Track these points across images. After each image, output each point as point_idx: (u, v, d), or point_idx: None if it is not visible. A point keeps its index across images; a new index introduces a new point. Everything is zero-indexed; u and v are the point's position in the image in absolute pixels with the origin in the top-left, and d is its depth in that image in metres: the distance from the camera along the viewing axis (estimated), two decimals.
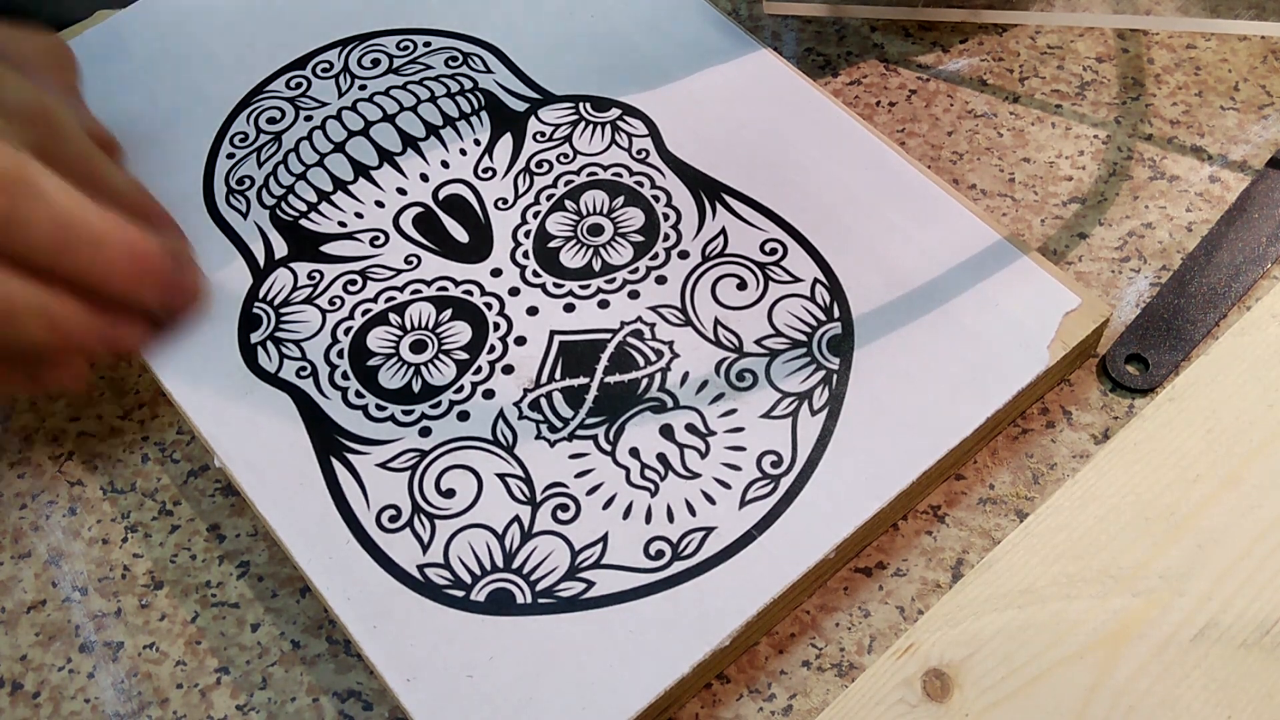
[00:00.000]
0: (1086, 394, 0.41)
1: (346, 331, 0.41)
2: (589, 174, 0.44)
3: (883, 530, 0.38)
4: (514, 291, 0.42)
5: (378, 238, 0.43)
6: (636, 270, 0.42)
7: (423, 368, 0.40)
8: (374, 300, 0.42)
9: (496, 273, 0.42)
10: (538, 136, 0.46)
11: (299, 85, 0.47)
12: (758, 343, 0.40)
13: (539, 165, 0.45)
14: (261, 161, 0.45)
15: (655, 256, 0.42)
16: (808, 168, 0.44)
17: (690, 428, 0.39)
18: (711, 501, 0.37)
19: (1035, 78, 0.49)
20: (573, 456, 0.38)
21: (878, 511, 0.37)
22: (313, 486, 0.38)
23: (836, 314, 0.41)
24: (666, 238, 0.43)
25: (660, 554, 0.36)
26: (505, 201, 0.44)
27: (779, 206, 0.43)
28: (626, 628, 0.35)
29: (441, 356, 0.41)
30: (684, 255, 0.42)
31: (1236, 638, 0.35)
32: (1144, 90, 0.48)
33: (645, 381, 0.40)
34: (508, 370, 0.40)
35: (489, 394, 0.40)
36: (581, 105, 0.46)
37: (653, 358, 0.40)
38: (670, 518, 0.37)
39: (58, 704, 0.37)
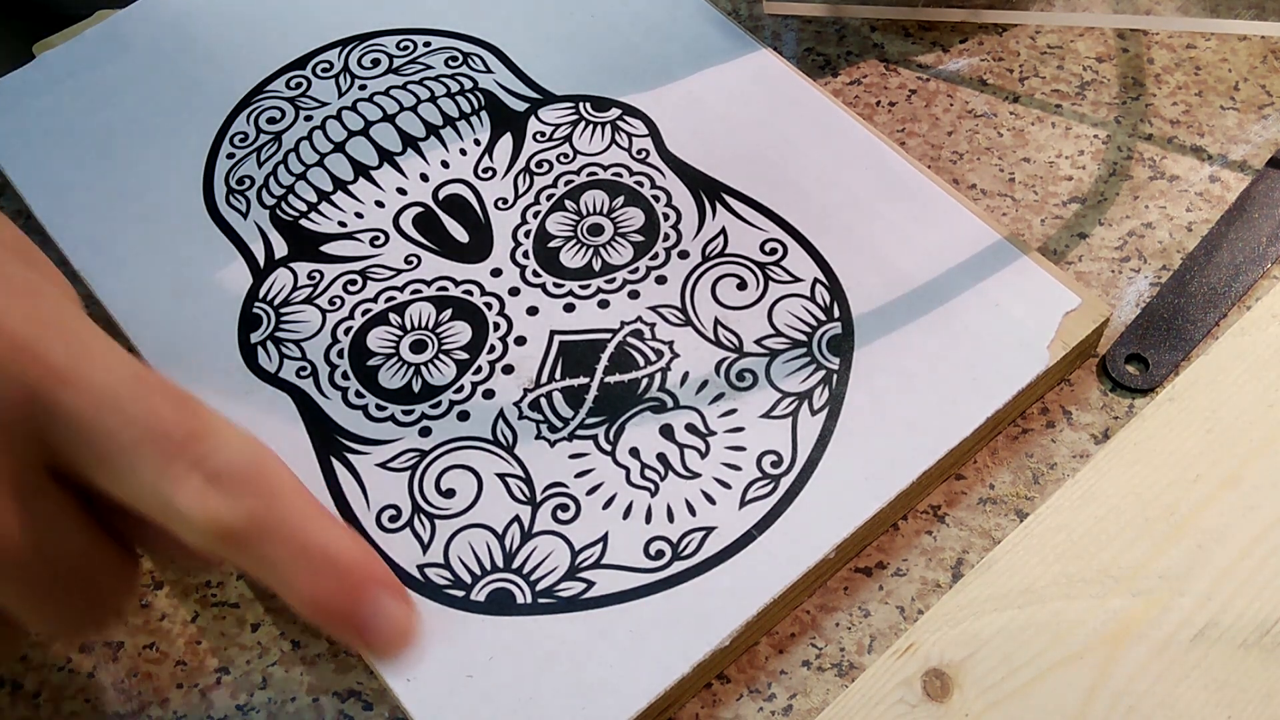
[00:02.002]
0: (1086, 394, 0.41)
1: (346, 331, 0.41)
2: (589, 174, 0.44)
3: (883, 530, 0.38)
4: (514, 291, 0.42)
5: (378, 238, 0.43)
6: (636, 270, 0.42)
7: (423, 368, 0.40)
8: (374, 300, 0.42)
9: (496, 273, 0.42)
10: (538, 136, 0.46)
11: (299, 85, 0.47)
12: (758, 343, 0.40)
13: (539, 165, 0.45)
14: (261, 161, 0.45)
15: (655, 256, 0.42)
16: (808, 168, 0.44)
17: (690, 428, 0.39)
18: (711, 501, 0.37)
19: (1035, 78, 0.49)
20: (573, 456, 0.38)
21: (878, 511, 0.37)
22: (313, 486, 0.38)
23: (836, 314, 0.41)
24: (666, 237, 0.43)
25: (660, 554, 0.36)
26: (505, 201, 0.44)
27: (779, 206, 0.43)
28: (626, 628, 0.35)
29: (441, 356, 0.41)
30: (684, 255, 0.42)
31: (1236, 638, 0.35)
32: (1144, 90, 0.48)
33: (645, 381, 0.40)
34: (508, 370, 0.40)
35: (489, 394, 0.40)
36: (581, 105, 0.46)
37: (653, 358, 0.40)
38: (670, 518, 0.37)
39: (58, 704, 0.37)
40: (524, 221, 0.43)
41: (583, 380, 0.40)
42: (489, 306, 0.42)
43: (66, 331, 0.27)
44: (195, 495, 0.26)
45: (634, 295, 0.41)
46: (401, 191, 0.44)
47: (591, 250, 0.43)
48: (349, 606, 0.28)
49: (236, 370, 0.41)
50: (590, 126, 0.46)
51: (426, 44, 0.48)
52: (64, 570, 0.28)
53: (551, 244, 0.43)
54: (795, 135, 0.45)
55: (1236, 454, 0.38)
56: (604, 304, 0.41)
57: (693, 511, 0.37)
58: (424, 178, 0.45)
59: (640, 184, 0.44)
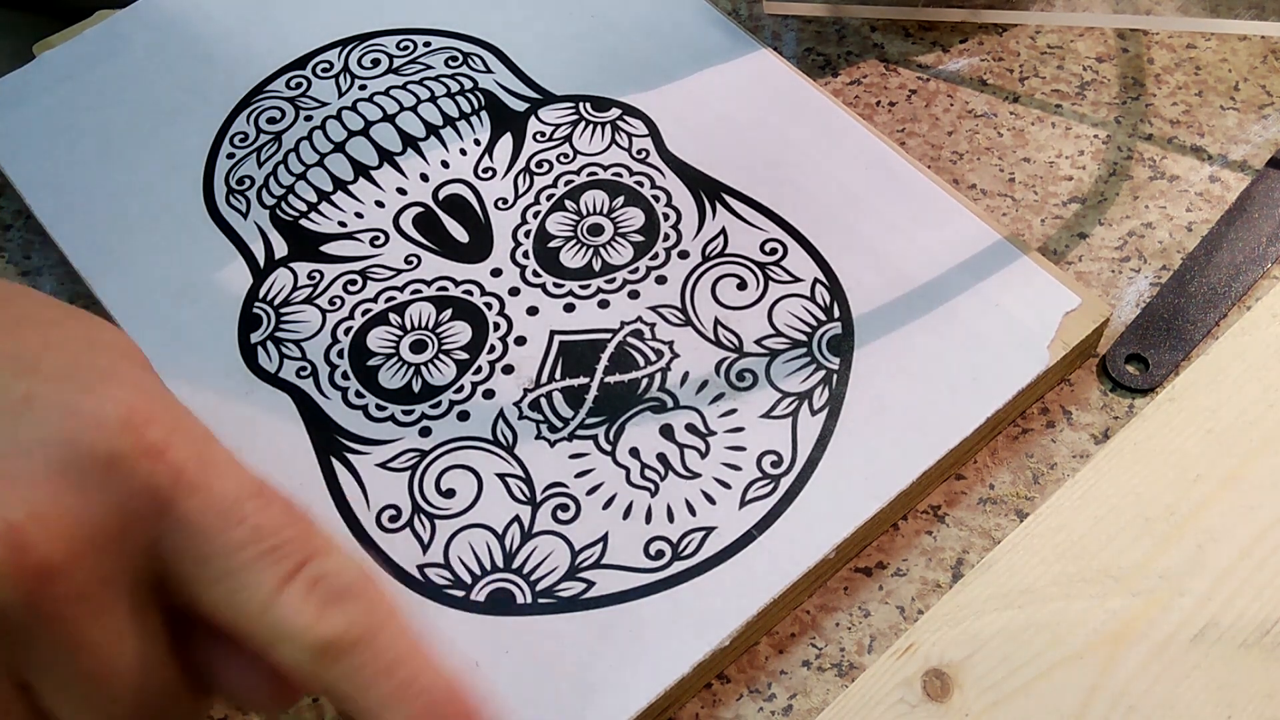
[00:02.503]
0: (1086, 394, 0.41)
1: (346, 331, 0.41)
2: (589, 174, 0.44)
3: (883, 530, 0.38)
4: (514, 291, 0.42)
5: (378, 238, 0.43)
6: (636, 270, 0.42)
7: (423, 368, 0.40)
8: (374, 300, 0.42)
9: (496, 273, 0.42)
10: (538, 136, 0.46)
11: (299, 85, 0.47)
12: (758, 343, 0.40)
13: (539, 165, 0.45)
14: (261, 161, 0.45)
15: (655, 256, 0.42)
16: (808, 168, 0.44)
17: (690, 428, 0.39)
18: (711, 501, 0.37)
19: (1035, 78, 0.49)
20: (573, 456, 0.38)
21: (878, 511, 0.37)
22: (313, 486, 0.38)
23: (836, 314, 0.41)
24: (666, 237, 0.43)
25: (660, 554, 0.36)
26: (505, 201, 0.44)
27: (779, 206, 0.43)
28: (626, 628, 0.35)
29: (441, 356, 0.41)
30: (684, 255, 0.42)
31: (1236, 638, 0.35)
32: (1144, 90, 0.48)
33: (645, 381, 0.40)
34: (508, 370, 0.40)
35: (489, 394, 0.40)
36: (581, 105, 0.46)
37: (653, 358, 0.40)
38: (670, 518, 0.37)
39: None
40: (524, 221, 0.43)
41: (583, 380, 0.40)
42: (489, 306, 0.42)
43: (195, 439, 0.27)
44: (301, 606, 0.26)
45: (634, 295, 0.41)
46: (401, 191, 0.44)
47: (591, 250, 0.43)
48: None
49: (236, 370, 0.41)
50: (590, 126, 0.46)
51: (426, 44, 0.48)
52: (149, 697, 0.27)
53: (551, 244, 0.43)
54: (795, 135, 0.45)
55: (1236, 454, 0.38)
56: (604, 304, 0.41)
57: (693, 511, 0.37)
58: (424, 178, 0.45)
59: (640, 184, 0.44)
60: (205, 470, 0.26)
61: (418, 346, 0.41)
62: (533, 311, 0.41)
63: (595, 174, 0.44)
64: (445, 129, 0.46)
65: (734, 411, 0.39)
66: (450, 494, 0.38)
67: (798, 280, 0.41)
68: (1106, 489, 0.38)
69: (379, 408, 0.40)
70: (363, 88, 0.47)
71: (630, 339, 0.41)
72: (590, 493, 0.38)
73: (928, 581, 0.38)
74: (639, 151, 0.45)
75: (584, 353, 0.40)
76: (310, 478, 0.38)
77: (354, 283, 0.42)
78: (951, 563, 0.38)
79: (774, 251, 0.42)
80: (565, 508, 0.37)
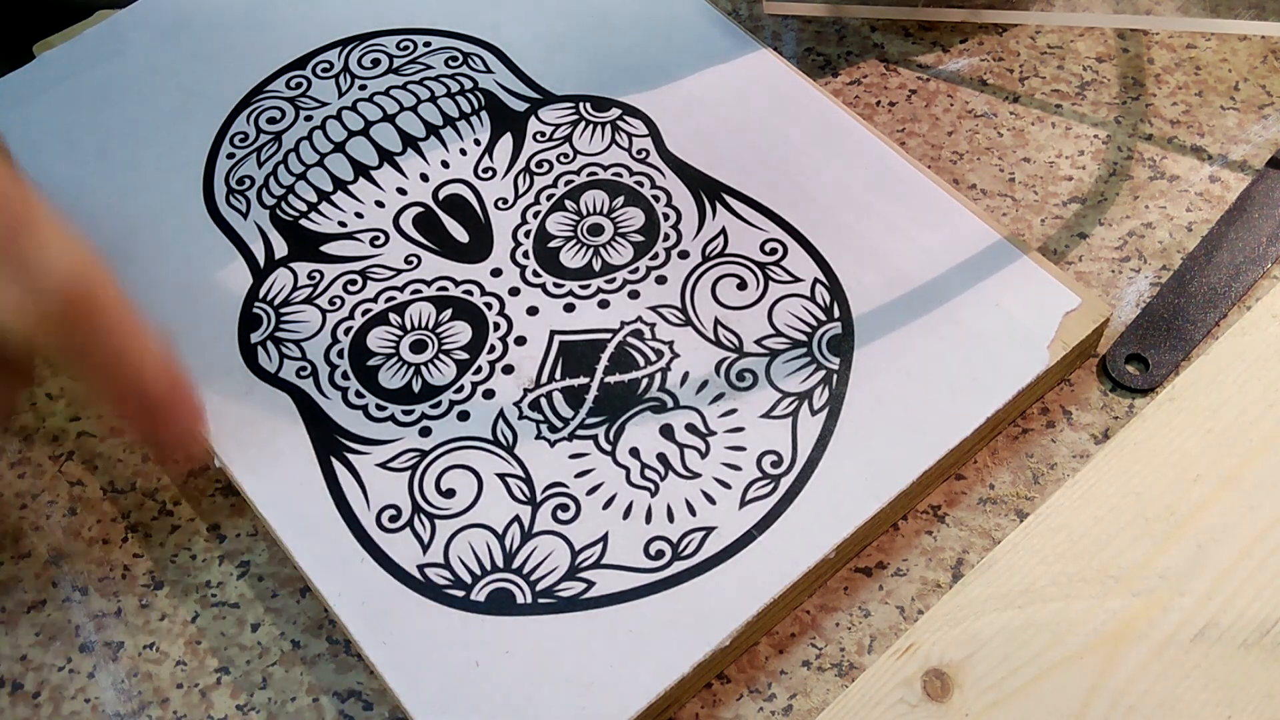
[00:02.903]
0: (1086, 394, 0.41)
1: (346, 331, 0.41)
2: (589, 174, 0.44)
3: (883, 530, 0.38)
4: (514, 291, 0.42)
5: (378, 238, 0.43)
6: (636, 270, 0.42)
7: (423, 368, 0.40)
8: (374, 300, 0.42)
9: (496, 273, 0.42)
10: (538, 136, 0.46)
11: (299, 85, 0.47)
12: (758, 342, 0.40)
13: (539, 165, 0.45)
14: (261, 161, 0.45)
15: (655, 256, 0.42)
16: (808, 168, 0.44)
17: (690, 428, 0.39)
18: (711, 501, 0.37)
19: (1035, 78, 0.49)
20: (573, 456, 0.38)
21: (878, 511, 0.37)
22: (313, 486, 0.38)
23: (836, 314, 0.41)
24: (666, 238, 0.43)
25: (660, 554, 0.36)
26: (505, 201, 0.44)
27: (779, 206, 0.43)
28: (626, 628, 0.35)
29: (441, 356, 0.41)
30: (684, 255, 0.42)
31: (1236, 638, 0.35)
32: (1144, 90, 0.48)
33: (645, 381, 0.40)
34: (508, 370, 0.40)
35: (489, 394, 0.40)
36: (581, 105, 0.46)
37: (653, 358, 0.40)
38: (670, 518, 0.37)
39: (58, 704, 0.37)
40: (524, 221, 0.43)
41: (583, 380, 0.40)
42: (489, 306, 0.42)
43: None
44: (15, 304, 0.28)
45: (634, 295, 0.41)
46: (401, 191, 0.44)
47: (591, 250, 0.43)
48: (149, 427, 0.33)
49: (236, 370, 0.41)
50: (590, 126, 0.46)
51: (426, 44, 0.48)
52: None
53: (551, 244, 0.43)
54: (795, 135, 0.45)
55: (1236, 454, 0.38)
56: (604, 304, 0.41)
57: (693, 511, 0.37)
58: (424, 178, 0.45)
59: (640, 184, 0.44)
60: None
61: (418, 346, 0.41)
62: (533, 311, 0.41)
63: (595, 174, 0.44)
64: (445, 129, 0.46)
65: (734, 411, 0.39)
66: (450, 494, 0.38)
67: (798, 280, 0.41)
68: (1106, 489, 0.38)
69: (379, 408, 0.40)
70: (363, 88, 0.47)
71: (630, 339, 0.41)
72: (590, 493, 0.38)
73: (928, 581, 0.38)
74: (639, 151, 0.45)
75: (584, 353, 0.40)
76: (310, 477, 0.38)
77: (354, 283, 0.42)
78: (951, 563, 0.38)
79: (774, 251, 0.42)
80: (565, 508, 0.37)
